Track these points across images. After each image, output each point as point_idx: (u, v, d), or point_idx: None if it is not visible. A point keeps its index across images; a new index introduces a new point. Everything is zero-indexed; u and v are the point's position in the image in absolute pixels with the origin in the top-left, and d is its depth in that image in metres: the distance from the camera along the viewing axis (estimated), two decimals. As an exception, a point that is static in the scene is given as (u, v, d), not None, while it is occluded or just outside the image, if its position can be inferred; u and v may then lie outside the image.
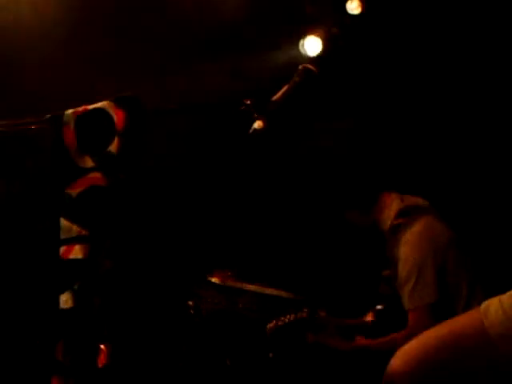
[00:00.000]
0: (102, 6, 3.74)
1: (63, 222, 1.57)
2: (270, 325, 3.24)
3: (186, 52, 4.05)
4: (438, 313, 2.53)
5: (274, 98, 1.79)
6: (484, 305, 1.12)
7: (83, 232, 1.57)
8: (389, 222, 2.72)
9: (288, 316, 3.18)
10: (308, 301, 3.28)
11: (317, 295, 3.33)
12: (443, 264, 2.61)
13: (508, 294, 1.11)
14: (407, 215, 2.69)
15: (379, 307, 2.85)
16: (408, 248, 2.63)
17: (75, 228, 1.57)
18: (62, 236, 1.57)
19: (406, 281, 2.61)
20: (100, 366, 1.58)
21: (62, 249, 1.56)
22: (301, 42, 4.31)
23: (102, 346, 1.58)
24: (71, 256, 1.56)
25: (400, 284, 2.65)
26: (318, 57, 4.20)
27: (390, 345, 2.39)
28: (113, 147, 1.59)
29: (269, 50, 4.23)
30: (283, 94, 1.78)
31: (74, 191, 1.58)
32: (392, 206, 2.73)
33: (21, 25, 3.64)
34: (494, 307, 1.10)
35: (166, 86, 3.86)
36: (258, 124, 1.72)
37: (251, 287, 3.88)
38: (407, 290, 2.60)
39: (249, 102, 1.75)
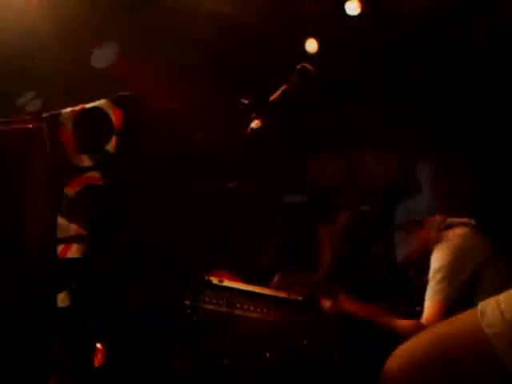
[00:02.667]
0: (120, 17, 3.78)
1: (61, 220, 1.56)
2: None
3: (186, 52, 4.05)
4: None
5: (272, 97, 1.79)
6: (481, 305, 1.12)
7: (81, 231, 1.56)
8: (433, 236, 2.90)
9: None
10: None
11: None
12: (476, 276, 2.67)
13: (505, 294, 1.11)
14: (448, 228, 2.87)
15: None
16: (442, 252, 2.77)
17: (73, 227, 1.57)
18: (60, 235, 1.56)
19: (433, 277, 2.70)
20: (97, 364, 1.58)
21: (60, 247, 1.56)
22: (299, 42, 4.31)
23: (98, 345, 1.58)
24: (69, 255, 1.56)
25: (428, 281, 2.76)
26: (316, 57, 4.21)
27: (392, 326, 2.55)
28: (111, 146, 1.59)
29: (267, 50, 4.23)
30: (281, 93, 1.78)
31: (71, 190, 1.57)
32: (436, 224, 2.94)
33: (34, 30, 3.66)
34: (491, 308, 1.09)
35: (167, 86, 3.87)
36: (255, 123, 1.72)
37: (249, 287, 3.88)
38: (432, 283, 2.69)
39: (247, 102, 1.75)
